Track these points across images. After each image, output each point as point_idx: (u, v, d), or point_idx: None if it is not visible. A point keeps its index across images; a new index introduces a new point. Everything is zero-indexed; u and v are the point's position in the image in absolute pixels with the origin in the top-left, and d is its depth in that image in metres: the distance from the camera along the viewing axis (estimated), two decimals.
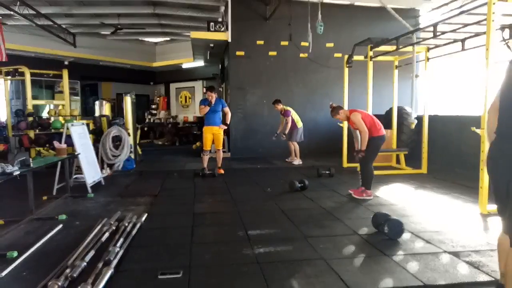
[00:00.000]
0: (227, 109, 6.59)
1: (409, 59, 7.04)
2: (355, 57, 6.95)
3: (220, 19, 10.13)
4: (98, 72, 14.75)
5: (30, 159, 4.10)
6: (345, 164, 7.40)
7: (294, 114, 7.85)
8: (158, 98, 16.61)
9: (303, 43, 8.25)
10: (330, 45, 9.08)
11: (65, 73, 8.48)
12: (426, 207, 4.35)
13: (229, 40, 9.00)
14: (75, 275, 2.51)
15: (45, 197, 4.87)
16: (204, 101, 6.50)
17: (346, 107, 7.35)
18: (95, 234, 3.37)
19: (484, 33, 3.98)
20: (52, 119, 7.99)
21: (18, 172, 3.55)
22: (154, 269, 2.65)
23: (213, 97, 6.39)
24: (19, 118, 7.82)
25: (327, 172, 6.31)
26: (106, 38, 13.58)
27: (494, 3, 3.81)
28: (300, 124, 7.87)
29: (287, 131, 7.79)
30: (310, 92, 9.34)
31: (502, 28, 4.89)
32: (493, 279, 2.48)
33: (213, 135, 6.53)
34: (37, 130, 7.45)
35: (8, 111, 8.19)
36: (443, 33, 5.39)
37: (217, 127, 6.50)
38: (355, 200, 4.70)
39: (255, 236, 3.35)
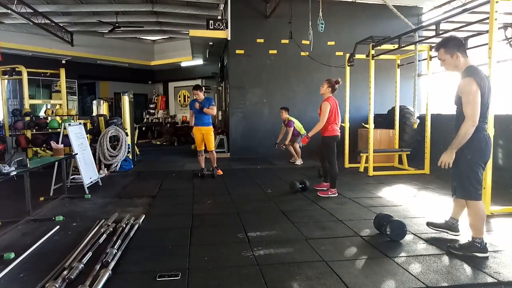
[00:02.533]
0: (212, 107, 6.24)
1: (412, 58, 7.01)
2: (357, 56, 6.91)
3: (219, 17, 10.08)
4: (95, 71, 14.71)
5: (27, 159, 4.06)
6: (347, 165, 7.36)
7: (296, 123, 7.83)
8: (156, 97, 16.56)
9: (304, 42, 8.22)
10: (331, 43, 9.04)
11: (62, 72, 8.44)
12: (428, 208, 4.32)
13: (229, 38, 8.95)
14: (72, 277, 2.49)
15: (42, 198, 4.83)
16: (193, 102, 6.35)
17: (348, 107, 7.33)
18: (93, 236, 3.33)
19: (487, 31, 3.93)
20: (49, 118, 7.94)
21: (15, 173, 3.52)
22: (153, 271, 2.62)
23: (199, 95, 6.21)
24: (16, 118, 7.77)
25: None
26: (104, 36, 13.54)
27: (497, 2, 3.76)
28: (303, 131, 7.83)
29: (287, 142, 7.72)
30: (312, 91, 9.27)
31: (505, 26, 4.86)
32: (496, 280, 2.47)
33: (203, 136, 6.37)
34: (34, 130, 7.39)
35: (5, 110, 8.15)
36: (445, 31, 5.34)
37: (205, 127, 6.31)
38: (356, 201, 4.66)
39: (255, 238, 3.31)
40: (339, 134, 4.97)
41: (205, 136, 6.36)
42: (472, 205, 2.87)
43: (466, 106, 2.70)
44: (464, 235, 3.24)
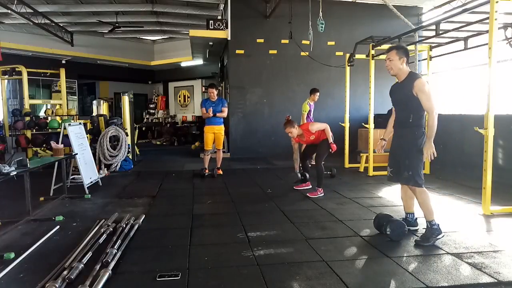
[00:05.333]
0: (225, 109, 6.42)
1: (412, 58, 7.00)
2: (357, 56, 6.91)
3: (219, 17, 10.08)
4: (95, 71, 14.70)
5: (27, 159, 4.06)
6: (347, 165, 7.35)
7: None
8: (156, 97, 16.56)
9: (304, 41, 8.21)
10: (331, 43, 9.04)
11: (62, 72, 8.43)
12: None
13: (229, 38, 8.95)
14: (72, 277, 2.50)
15: (42, 198, 4.82)
16: (205, 102, 6.42)
17: (347, 106, 7.32)
18: (93, 236, 3.33)
19: (487, 31, 3.93)
20: (49, 118, 7.94)
21: (15, 173, 3.51)
22: (153, 271, 2.62)
23: (214, 93, 6.31)
24: (16, 118, 7.76)
25: (328, 172, 6.24)
26: (104, 36, 13.53)
27: (497, 2, 3.76)
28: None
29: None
30: None
31: (505, 26, 4.87)
32: (496, 280, 2.47)
33: (214, 135, 6.45)
34: (34, 130, 7.38)
35: (5, 110, 8.14)
36: (445, 31, 5.34)
37: (218, 126, 6.43)
38: (356, 201, 4.66)
39: (255, 238, 3.31)
40: None
41: (217, 135, 6.46)
42: (422, 192, 3.20)
43: (427, 101, 3.09)
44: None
